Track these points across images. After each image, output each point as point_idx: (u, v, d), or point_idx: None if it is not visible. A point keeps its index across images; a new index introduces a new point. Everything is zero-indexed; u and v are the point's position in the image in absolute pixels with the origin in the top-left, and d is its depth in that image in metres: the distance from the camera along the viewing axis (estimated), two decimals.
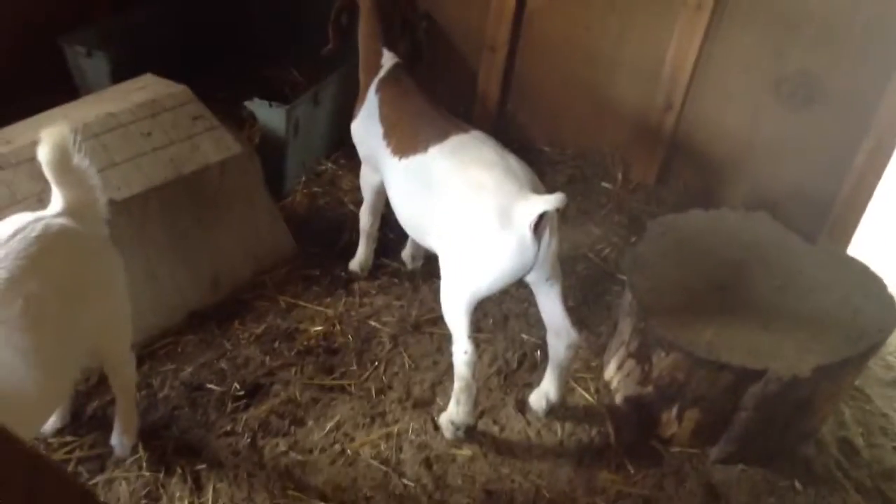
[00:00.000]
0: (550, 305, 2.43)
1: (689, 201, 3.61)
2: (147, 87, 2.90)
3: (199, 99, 2.92)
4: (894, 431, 2.75)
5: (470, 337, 2.34)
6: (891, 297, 2.55)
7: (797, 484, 2.47)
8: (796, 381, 2.27)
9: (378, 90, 2.68)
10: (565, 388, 2.61)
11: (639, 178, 3.78)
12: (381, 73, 2.69)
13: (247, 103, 3.17)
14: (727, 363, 2.31)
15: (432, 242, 2.47)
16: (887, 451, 2.68)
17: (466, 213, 2.24)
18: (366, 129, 2.72)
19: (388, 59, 2.70)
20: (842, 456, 2.61)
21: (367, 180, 2.90)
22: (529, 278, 2.33)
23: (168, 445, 2.35)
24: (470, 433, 2.49)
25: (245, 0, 4.06)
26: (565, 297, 2.44)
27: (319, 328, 2.81)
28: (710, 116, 3.54)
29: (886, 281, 2.64)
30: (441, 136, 2.42)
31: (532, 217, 2.11)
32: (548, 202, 2.09)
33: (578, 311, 3.02)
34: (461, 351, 2.34)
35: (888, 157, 3.18)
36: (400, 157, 2.52)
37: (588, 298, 3.13)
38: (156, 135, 2.74)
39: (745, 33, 3.29)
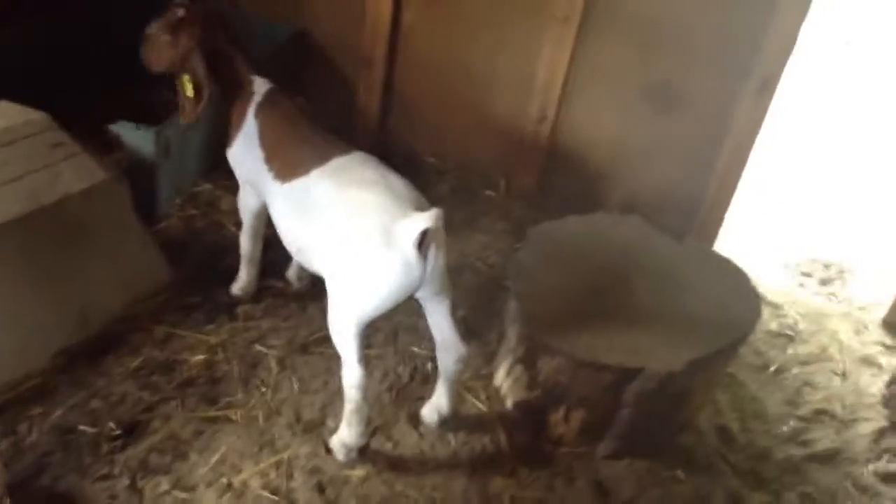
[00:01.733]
0: (439, 320, 2.43)
1: (570, 207, 3.70)
2: (1, 115, 2.73)
3: (65, 125, 2.77)
4: (766, 414, 2.92)
5: (360, 360, 2.31)
6: (754, 289, 2.71)
7: (680, 473, 2.57)
8: (672, 376, 2.37)
9: (257, 115, 2.61)
10: (456, 399, 2.62)
11: (521, 186, 3.86)
12: (258, 98, 2.62)
13: (111, 126, 3.04)
14: (607, 364, 2.38)
15: (318, 266, 2.43)
16: (760, 434, 2.83)
17: (349, 235, 2.21)
18: (245, 154, 2.65)
19: (260, 85, 2.63)
20: (719, 442, 2.75)
21: (246, 204, 2.82)
22: (418, 294, 2.33)
23: (39, 496, 2.20)
24: (363, 452, 2.47)
25: (114, 21, 3.88)
26: (454, 311, 2.44)
27: (201, 357, 2.71)
28: (584, 125, 3.66)
29: (750, 274, 2.80)
30: (322, 158, 2.39)
31: (415, 235, 2.11)
32: (428, 219, 2.09)
33: (468, 319, 3.05)
34: (351, 374, 2.32)
35: (746, 156, 3.38)
36: (283, 182, 2.47)
37: (477, 306, 3.16)
38: (12, 165, 2.58)
39: (611, 44, 3.42)
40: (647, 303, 2.62)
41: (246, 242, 2.90)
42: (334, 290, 2.32)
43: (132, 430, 2.43)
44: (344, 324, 2.29)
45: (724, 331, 2.52)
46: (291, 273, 3.09)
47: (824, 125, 5.78)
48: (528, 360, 2.57)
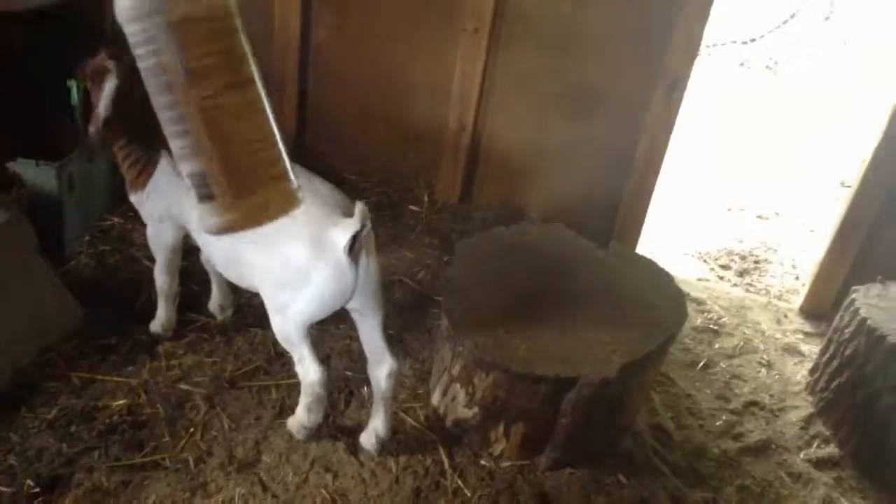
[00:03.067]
0: (371, 334, 2.43)
1: (494, 215, 3.72)
2: None
3: None
4: (699, 410, 2.98)
5: (313, 356, 2.37)
6: (679, 289, 2.76)
7: (621, 477, 2.59)
8: (607, 382, 2.37)
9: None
10: (392, 421, 2.57)
11: (444, 197, 3.84)
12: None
13: (9, 165, 2.86)
14: (542, 375, 2.38)
15: (251, 280, 2.41)
16: (695, 430, 2.89)
17: (279, 246, 2.22)
18: (162, 193, 2.55)
19: None
20: (656, 442, 2.78)
21: (162, 240, 2.70)
22: (350, 305, 2.33)
23: None
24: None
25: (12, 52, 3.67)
26: (385, 325, 2.43)
27: (122, 402, 2.57)
28: (502, 133, 3.67)
29: (672, 273, 2.85)
30: None
31: (344, 242, 2.14)
32: (356, 223, 2.13)
33: (400, 339, 3.00)
34: (308, 372, 2.37)
35: (661, 156, 3.45)
36: None
37: (408, 325, 3.12)
38: None
39: (524, 53, 3.44)
40: (577, 309, 2.63)
41: (162, 278, 2.77)
42: (271, 299, 2.34)
43: (53, 486, 2.28)
44: (288, 331, 2.35)
45: (653, 332, 2.56)
46: (213, 304, 2.98)
47: (722, 123, 6.01)
48: (463, 378, 2.55)
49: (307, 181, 2.29)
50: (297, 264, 2.20)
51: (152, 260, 2.87)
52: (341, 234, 2.15)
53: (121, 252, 3.21)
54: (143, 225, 3.28)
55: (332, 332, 2.96)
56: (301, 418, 2.49)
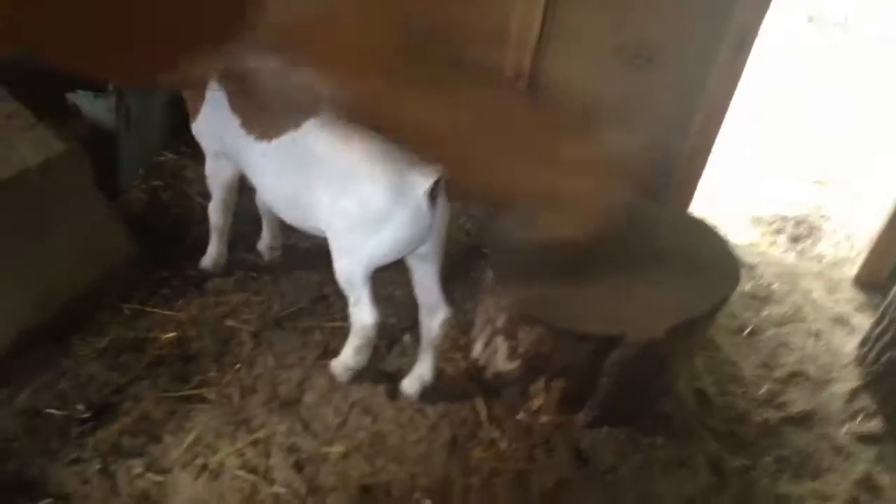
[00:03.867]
0: (427, 280, 2.44)
1: None
2: None
3: (16, 95, 2.62)
4: (742, 378, 2.93)
5: (372, 301, 2.37)
6: (733, 253, 2.70)
7: (659, 439, 2.58)
8: (653, 343, 2.35)
9: (222, 84, 2.49)
10: (437, 367, 2.59)
11: None
12: None
13: (69, 95, 2.89)
14: (588, 332, 2.36)
15: (316, 222, 2.40)
16: (737, 397, 2.85)
17: (357, 186, 2.20)
18: (216, 124, 2.54)
19: None
20: (697, 406, 2.76)
21: (218, 176, 2.72)
22: (419, 250, 2.33)
23: (7, 483, 2.13)
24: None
25: None
26: (442, 272, 2.44)
27: (171, 335, 2.63)
28: (558, 83, 3.57)
29: (726, 237, 2.78)
30: (310, 111, 2.33)
31: (426, 185, 2.12)
32: (439, 168, 2.12)
33: (445, 288, 3.00)
34: (364, 316, 2.38)
35: (722, 116, 3.33)
36: (269, 140, 2.39)
37: (452, 275, 3.09)
38: None
39: (584, 3, 3.32)
40: (627, 269, 2.59)
41: (216, 215, 2.80)
42: (341, 240, 2.32)
43: (102, 412, 2.36)
44: (353, 273, 2.33)
45: (703, 296, 2.51)
46: (262, 245, 3.01)
47: (789, 86, 5.78)
48: (507, 331, 2.54)
49: None
50: (376, 206, 2.18)
51: (205, 197, 2.91)
52: (422, 177, 2.13)
53: (173, 188, 3.25)
54: (197, 162, 3.35)
55: (377, 277, 2.97)
56: (347, 359, 2.52)
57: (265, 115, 2.42)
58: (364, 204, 2.20)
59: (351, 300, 2.40)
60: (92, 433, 2.29)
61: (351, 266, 2.32)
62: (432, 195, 2.15)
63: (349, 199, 2.23)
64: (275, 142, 2.38)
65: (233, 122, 2.48)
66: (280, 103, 2.37)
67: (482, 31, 3.55)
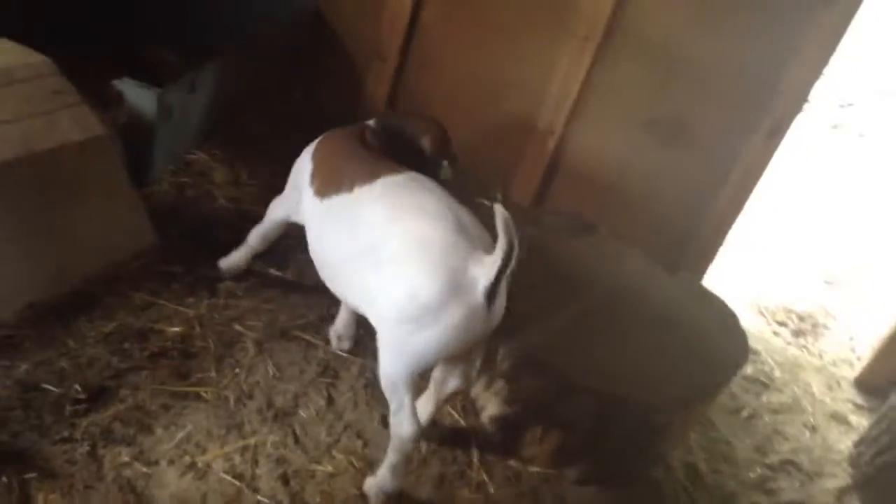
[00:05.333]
0: (463, 366, 2.21)
1: (564, 222, 3.68)
2: (1, 53, 2.62)
3: (68, 73, 2.66)
4: (735, 459, 2.92)
5: (413, 412, 2.09)
6: (743, 332, 2.71)
7: None
8: (656, 409, 2.35)
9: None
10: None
11: (516, 197, 3.83)
12: None
13: (115, 82, 2.94)
14: (593, 388, 2.36)
15: (359, 303, 2.20)
16: (728, 477, 2.83)
17: (408, 274, 1.96)
18: (303, 163, 2.51)
19: None
20: (687, 481, 2.74)
21: (275, 209, 2.68)
22: None
23: None
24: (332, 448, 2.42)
25: None
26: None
27: (177, 329, 2.62)
28: (589, 145, 3.63)
29: (739, 315, 2.80)
30: (369, 175, 2.18)
31: (486, 283, 1.89)
32: (498, 260, 1.86)
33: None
34: (403, 427, 2.10)
35: (745, 200, 3.38)
36: (322, 198, 2.29)
37: None
38: (7, 106, 2.47)
39: (627, 69, 3.40)
40: (636, 332, 2.61)
41: (255, 236, 2.78)
42: (385, 332, 2.07)
43: (98, 396, 2.34)
44: (397, 373, 2.06)
45: (709, 370, 2.52)
46: (333, 331, 2.77)
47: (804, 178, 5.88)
48: (510, 376, 2.54)
49: (446, 206, 2.06)
50: (426, 301, 1.92)
51: (230, 199, 2.94)
52: (483, 273, 1.89)
53: (200, 187, 3.27)
54: (225, 166, 3.40)
55: None
56: (383, 482, 2.23)
57: (327, 170, 2.35)
58: (414, 296, 1.93)
59: (392, 407, 2.12)
60: (85, 415, 2.27)
61: (395, 365, 2.05)
62: (491, 294, 1.91)
63: (398, 286, 1.97)
64: (326, 201, 2.26)
65: (308, 168, 2.44)
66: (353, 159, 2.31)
67: (517, 86, 3.64)
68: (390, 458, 2.21)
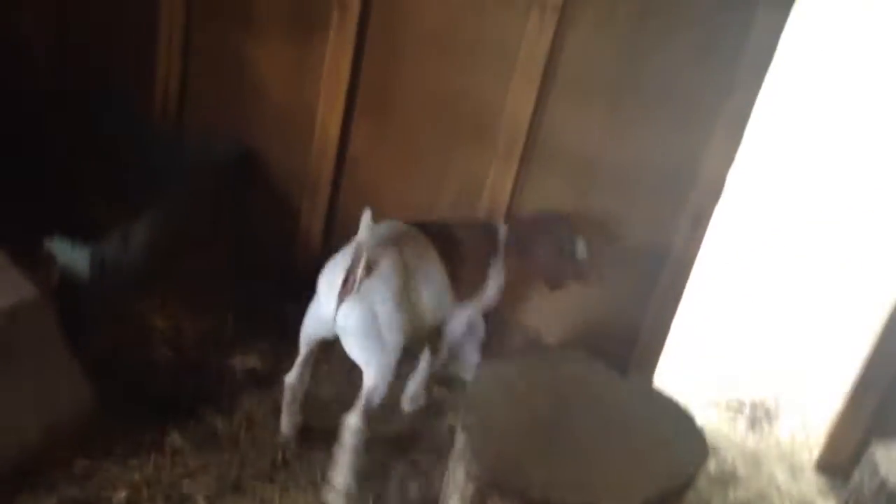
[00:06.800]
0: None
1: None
2: None
3: None
4: None
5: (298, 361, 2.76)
6: (700, 430, 2.71)
7: None
8: None
9: None
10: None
11: None
12: None
13: (46, 242, 2.89)
14: (561, 502, 2.30)
15: None
16: None
17: None
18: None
19: None
20: None
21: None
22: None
23: None
24: None
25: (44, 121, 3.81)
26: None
27: (122, 494, 2.48)
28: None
29: (692, 414, 2.81)
30: None
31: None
32: (348, 259, 2.51)
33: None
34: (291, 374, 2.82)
35: (681, 291, 3.47)
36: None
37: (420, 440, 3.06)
38: None
39: (551, 180, 3.53)
40: (596, 438, 2.58)
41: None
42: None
43: None
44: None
45: (673, 470, 2.50)
46: (405, 395, 3.27)
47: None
48: (476, 499, 2.46)
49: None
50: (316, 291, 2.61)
51: (171, 349, 2.85)
52: (342, 263, 2.45)
53: (141, 338, 3.19)
54: (165, 317, 3.33)
55: None
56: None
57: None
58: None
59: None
60: None
61: None
62: (344, 286, 2.48)
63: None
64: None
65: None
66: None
67: (451, 207, 3.74)
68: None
